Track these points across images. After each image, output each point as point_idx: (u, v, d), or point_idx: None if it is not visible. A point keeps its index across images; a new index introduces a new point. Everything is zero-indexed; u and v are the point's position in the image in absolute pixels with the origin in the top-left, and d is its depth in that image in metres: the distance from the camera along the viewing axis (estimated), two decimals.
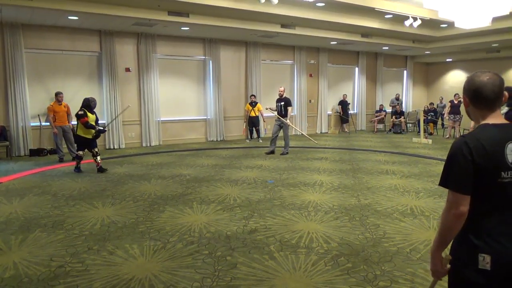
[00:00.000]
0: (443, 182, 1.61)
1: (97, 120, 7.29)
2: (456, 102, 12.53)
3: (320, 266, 3.31)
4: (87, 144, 7.16)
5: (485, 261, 1.54)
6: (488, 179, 1.53)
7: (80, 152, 7.25)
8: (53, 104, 8.40)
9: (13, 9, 7.56)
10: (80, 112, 6.98)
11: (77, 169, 7.29)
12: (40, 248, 3.70)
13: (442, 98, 15.42)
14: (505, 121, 1.62)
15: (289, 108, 9.17)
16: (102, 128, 7.40)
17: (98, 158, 7.27)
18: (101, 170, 7.26)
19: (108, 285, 3.00)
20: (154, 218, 4.57)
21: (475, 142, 1.53)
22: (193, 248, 3.69)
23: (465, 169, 1.53)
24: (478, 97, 1.60)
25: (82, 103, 7.15)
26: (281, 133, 9.23)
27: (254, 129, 11.77)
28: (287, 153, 9.16)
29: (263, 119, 11.80)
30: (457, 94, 12.88)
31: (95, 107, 7.22)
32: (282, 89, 9.37)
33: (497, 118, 1.60)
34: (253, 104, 11.36)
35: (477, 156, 1.52)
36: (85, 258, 3.48)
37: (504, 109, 5.10)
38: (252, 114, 11.35)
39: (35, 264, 3.35)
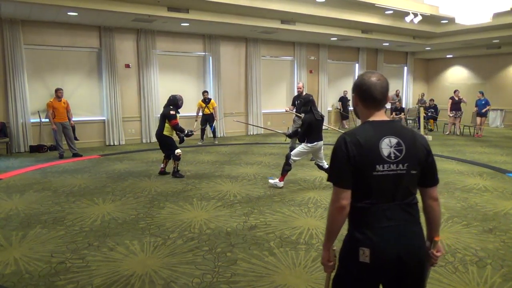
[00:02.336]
0: (328, 177, 1.69)
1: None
2: (456, 98, 12.52)
3: (320, 262, 3.31)
4: (171, 146, 6.44)
5: (364, 254, 1.57)
6: (365, 173, 1.58)
7: (179, 150, 6.44)
8: (52, 100, 8.38)
9: (12, 5, 7.54)
10: (172, 112, 6.29)
11: (177, 173, 6.51)
12: (40, 244, 3.71)
13: (424, 95, 15.64)
14: (387, 119, 1.69)
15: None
16: (189, 131, 6.73)
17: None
18: (176, 175, 6.49)
19: (108, 281, 3.01)
20: (155, 215, 4.58)
21: (352, 137, 1.61)
22: (193, 244, 3.70)
23: (343, 164, 1.60)
24: (368, 97, 1.67)
25: (169, 102, 6.45)
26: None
27: (207, 128, 10.70)
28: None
29: (216, 117, 10.63)
30: (457, 90, 12.88)
31: (181, 106, 6.54)
32: (300, 84, 8.33)
33: (380, 116, 1.68)
34: (207, 101, 10.39)
35: (353, 151, 1.58)
36: (85, 254, 3.49)
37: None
38: (206, 111, 10.35)
39: (36, 260, 3.36)
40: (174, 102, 6.42)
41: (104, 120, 10.21)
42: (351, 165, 1.58)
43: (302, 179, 6.36)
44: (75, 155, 8.44)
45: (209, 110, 10.40)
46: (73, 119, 8.75)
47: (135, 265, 3.29)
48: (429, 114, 13.83)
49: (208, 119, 10.44)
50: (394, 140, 1.61)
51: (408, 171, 1.60)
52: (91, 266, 3.25)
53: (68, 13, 8.37)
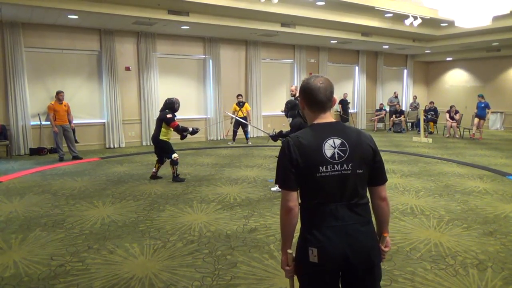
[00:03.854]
0: (275, 180, 1.72)
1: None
2: (452, 113, 12.73)
3: None
4: (168, 150, 6.36)
5: (313, 254, 1.60)
6: (309, 175, 1.60)
7: (175, 155, 6.37)
8: (53, 103, 8.39)
9: (13, 8, 7.55)
10: (168, 116, 6.18)
11: (177, 177, 6.44)
12: (40, 247, 3.70)
13: (416, 97, 15.74)
14: (332, 120, 1.71)
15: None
16: (195, 128, 6.58)
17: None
18: (177, 179, 6.41)
19: (108, 284, 3.00)
20: (154, 217, 4.58)
21: (295, 140, 1.63)
22: (193, 247, 3.69)
23: (287, 167, 1.62)
24: (312, 101, 1.69)
25: (165, 105, 6.36)
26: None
27: (242, 130, 10.96)
28: None
29: (249, 120, 10.89)
30: (453, 106, 12.99)
31: (178, 109, 6.41)
32: (293, 88, 7.84)
33: (326, 118, 1.70)
34: (241, 104, 10.69)
35: (295, 153, 1.61)
36: (85, 257, 3.48)
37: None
38: (240, 114, 10.55)
39: (36, 263, 3.35)
40: (170, 106, 6.32)
41: (104, 122, 10.22)
42: (294, 168, 1.60)
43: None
44: (75, 157, 8.44)
45: (243, 114, 10.65)
46: (73, 121, 8.75)
47: (135, 268, 3.28)
48: (429, 116, 13.84)
49: (241, 122, 10.49)
50: (338, 141, 1.62)
51: (354, 171, 1.61)
52: (91, 269, 3.25)
53: (69, 16, 8.39)
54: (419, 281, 3.03)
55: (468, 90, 16.25)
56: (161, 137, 6.30)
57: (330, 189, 1.60)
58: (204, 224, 4.34)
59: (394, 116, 14.67)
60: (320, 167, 1.59)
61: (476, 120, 12.16)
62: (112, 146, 10.22)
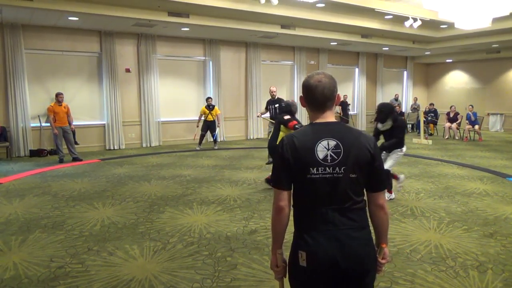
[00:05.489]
0: (270, 179, 1.70)
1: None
2: (452, 115, 12.74)
3: None
4: None
5: (302, 258, 1.56)
6: (300, 175, 1.57)
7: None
8: (53, 104, 8.39)
9: (13, 9, 7.56)
10: (286, 117, 5.73)
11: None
12: (40, 249, 3.69)
13: (416, 99, 15.74)
14: (332, 120, 1.65)
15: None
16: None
17: None
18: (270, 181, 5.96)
19: (108, 286, 3.00)
20: (154, 219, 4.57)
21: (289, 140, 1.60)
22: (193, 249, 3.69)
23: (279, 166, 1.61)
24: (311, 99, 1.64)
25: (281, 109, 6.08)
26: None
27: (208, 134, 10.53)
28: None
29: (218, 124, 10.48)
30: (453, 106, 13.02)
31: (296, 111, 5.94)
32: (274, 89, 8.22)
33: (326, 117, 1.64)
34: (210, 107, 10.18)
35: (288, 153, 1.58)
36: (85, 259, 3.48)
37: (388, 124, 5.21)
38: (209, 118, 10.13)
39: (35, 265, 3.35)
40: (288, 109, 5.86)
41: (104, 124, 10.22)
42: (286, 167, 1.58)
43: None
44: (75, 159, 8.44)
45: (212, 117, 10.22)
46: (73, 123, 8.75)
47: (134, 269, 3.28)
48: (429, 118, 13.85)
49: (210, 126, 10.30)
50: (332, 143, 1.56)
51: (346, 174, 1.55)
52: (91, 271, 3.24)
53: (69, 18, 8.40)
54: (419, 283, 3.02)
55: (468, 92, 16.26)
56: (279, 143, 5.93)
57: (321, 192, 1.55)
58: (204, 225, 4.34)
59: None
60: (311, 169, 1.55)
61: (470, 127, 12.21)
62: (112, 148, 10.22)
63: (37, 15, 8.15)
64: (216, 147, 10.46)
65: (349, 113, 14.61)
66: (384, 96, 16.10)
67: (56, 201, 5.35)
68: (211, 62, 11.61)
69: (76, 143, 8.76)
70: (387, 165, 5.21)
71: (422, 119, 12.29)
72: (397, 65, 16.64)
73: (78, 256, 3.54)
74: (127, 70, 10.46)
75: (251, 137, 12.54)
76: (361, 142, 1.59)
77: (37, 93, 9.33)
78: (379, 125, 5.35)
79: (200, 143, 10.42)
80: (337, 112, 14.58)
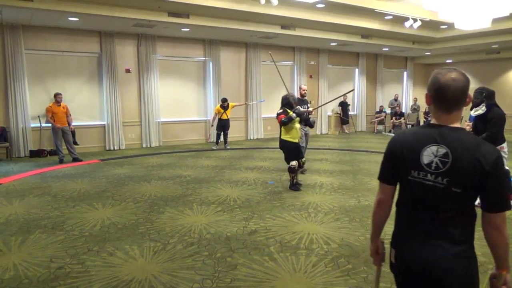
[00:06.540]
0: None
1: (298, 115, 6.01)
2: None
3: (320, 267, 3.31)
4: (288, 152, 5.86)
5: (392, 254, 1.63)
6: (402, 175, 1.59)
7: (294, 163, 5.81)
8: (51, 105, 8.38)
9: (13, 10, 7.57)
10: (278, 111, 5.84)
11: (294, 186, 5.95)
12: (40, 249, 3.69)
13: (416, 99, 15.70)
14: (453, 125, 1.51)
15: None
16: (298, 111, 5.92)
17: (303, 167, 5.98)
18: (292, 187, 5.93)
19: (108, 286, 3.00)
20: (154, 219, 4.57)
21: (398, 137, 1.63)
22: (193, 249, 3.69)
23: (385, 160, 1.65)
24: (437, 98, 1.51)
25: (281, 103, 5.95)
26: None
27: (222, 133, 10.49)
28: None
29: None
30: None
31: (295, 102, 5.94)
32: (305, 87, 7.36)
33: (449, 120, 1.51)
34: (225, 105, 10.29)
35: (395, 149, 1.60)
36: (85, 259, 3.48)
37: (482, 109, 4.79)
38: (224, 116, 10.29)
39: (35, 265, 3.35)
40: (286, 102, 5.85)
41: (104, 124, 10.22)
42: (392, 162, 1.61)
43: (302, 183, 6.34)
44: (75, 159, 8.43)
45: (227, 116, 10.35)
46: (73, 123, 8.75)
47: (134, 270, 3.27)
48: (429, 119, 13.85)
49: (225, 125, 10.40)
50: (442, 150, 1.46)
51: (448, 187, 1.45)
52: (91, 271, 3.24)
53: (69, 18, 8.40)
54: None
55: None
56: (282, 137, 5.82)
57: (418, 197, 1.53)
58: (204, 226, 4.34)
59: (394, 118, 14.69)
60: (412, 171, 1.53)
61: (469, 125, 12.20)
62: (112, 148, 10.22)
63: (37, 16, 8.15)
64: (228, 147, 10.55)
65: (349, 113, 14.63)
66: (384, 96, 16.12)
67: (56, 201, 5.35)
68: (211, 63, 11.61)
69: (76, 143, 8.75)
70: None
71: (422, 119, 12.29)
72: (397, 66, 16.64)
73: (78, 256, 3.54)
74: (127, 71, 10.46)
75: (251, 138, 12.55)
76: (476, 156, 1.41)
77: (37, 93, 9.33)
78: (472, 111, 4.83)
79: (217, 142, 10.56)
80: (337, 113, 14.60)
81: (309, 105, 7.37)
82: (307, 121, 6.37)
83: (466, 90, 1.50)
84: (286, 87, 6.44)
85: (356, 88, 15.36)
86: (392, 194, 1.66)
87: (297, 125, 5.84)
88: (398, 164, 1.58)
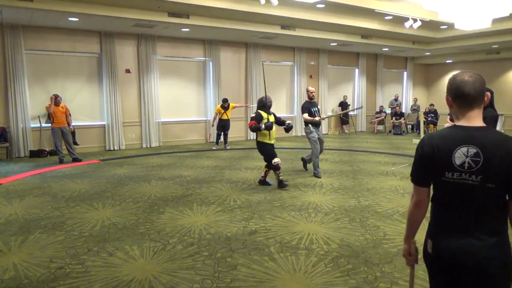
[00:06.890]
0: (411, 174, 1.77)
1: (278, 119, 6.27)
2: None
3: (320, 267, 3.31)
4: (266, 154, 6.07)
5: (429, 245, 1.71)
6: (435, 175, 1.64)
7: (276, 160, 5.99)
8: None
9: (13, 10, 7.57)
10: (251, 115, 6.05)
11: (282, 183, 6.08)
12: (40, 250, 3.69)
13: (416, 100, 15.67)
14: (478, 124, 1.60)
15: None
16: (269, 123, 5.90)
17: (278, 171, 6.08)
18: (281, 185, 6.07)
19: (108, 286, 3.00)
20: (154, 219, 4.57)
21: (430, 139, 1.65)
22: (193, 250, 3.69)
23: (418, 163, 1.70)
24: (459, 95, 1.61)
25: (257, 105, 6.17)
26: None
27: (222, 134, 10.50)
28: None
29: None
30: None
31: (271, 105, 6.11)
32: (312, 89, 7.31)
33: (472, 119, 1.61)
34: (226, 106, 10.34)
35: (426, 152, 1.64)
36: (85, 259, 3.48)
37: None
38: (224, 116, 10.34)
39: (35, 266, 3.35)
40: (261, 104, 6.07)
41: (104, 125, 10.22)
42: (424, 165, 1.66)
43: (302, 183, 6.35)
44: (75, 160, 8.43)
45: (227, 116, 10.38)
46: (73, 123, 8.75)
47: (134, 270, 3.27)
48: (429, 119, 13.85)
49: (225, 125, 10.42)
50: (472, 150, 1.55)
51: (482, 183, 1.53)
52: (91, 272, 3.24)
53: (69, 19, 8.40)
54: (419, 283, 3.02)
55: None
56: (259, 139, 6.06)
57: (454, 195, 1.60)
58: (204, 226, 4.33)
59: (394, 118, 14.69)
60: (446, 172, 1.59)
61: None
62: (112, 148, 10.22)
63: (37, 16, 8.15)
64: (228, 147, 10.56)
65: (349, 113, 14.62)
66: (384, 96, 16.12)
67: (56, 201, 5.35)
68: (211, 63, 11.61)
69: (76, 143, 8.75)
70: None
71: (422, 119, 12.29)
72: (397, 66, 16.64)
73: (78, 256, 3.53)
74: (127, 71, 10.46)
75: (251, 138, 12.54)
76: (506, 152, 1.52)
77: (37, 93, 9.33)
78: None
79: (217, 142, 10.56)
80: (337, 113, 14.60)
81: (319, 107, 7.37)
82: (285, 127, 6.36)
83: (483, 86, 1.60)
84: (265, 91, 6.62)
85: (356, 88, 15.37)
86: (428, 195, 1.71)
87: (274, 129, 6.04)
88: (431, 166, 1.63)
